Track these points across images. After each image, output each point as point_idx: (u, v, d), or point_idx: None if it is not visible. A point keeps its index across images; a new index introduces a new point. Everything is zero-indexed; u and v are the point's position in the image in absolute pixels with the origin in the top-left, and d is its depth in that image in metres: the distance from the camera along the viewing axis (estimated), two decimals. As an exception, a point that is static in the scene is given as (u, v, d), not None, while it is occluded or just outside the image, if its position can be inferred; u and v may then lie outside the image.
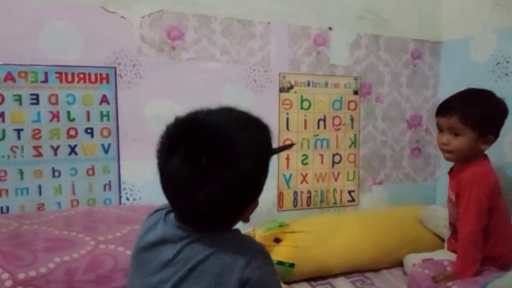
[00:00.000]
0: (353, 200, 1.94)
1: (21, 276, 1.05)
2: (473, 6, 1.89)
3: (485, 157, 1.41)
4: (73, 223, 1.28)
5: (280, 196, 1.81)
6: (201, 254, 0.72)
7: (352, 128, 1.90)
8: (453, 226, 1.49)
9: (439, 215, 1.68)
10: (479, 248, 1.28)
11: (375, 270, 1.63)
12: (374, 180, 1.98)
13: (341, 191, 1.91)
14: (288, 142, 1.78)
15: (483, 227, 1.29)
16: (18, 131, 1.40)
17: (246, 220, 0.79)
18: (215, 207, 0.70)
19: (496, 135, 1.36)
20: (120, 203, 1.55)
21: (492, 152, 1.46)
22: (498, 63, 1.77)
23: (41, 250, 1.13)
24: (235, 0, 1.67)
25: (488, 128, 1.34)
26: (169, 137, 0.72)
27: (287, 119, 1.78)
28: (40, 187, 1.45)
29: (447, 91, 1.93)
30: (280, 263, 1.49)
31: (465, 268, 1.28)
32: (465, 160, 1.39)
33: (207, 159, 0.67)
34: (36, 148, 1.43)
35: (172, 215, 0.79)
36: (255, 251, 0.74)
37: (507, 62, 1.74)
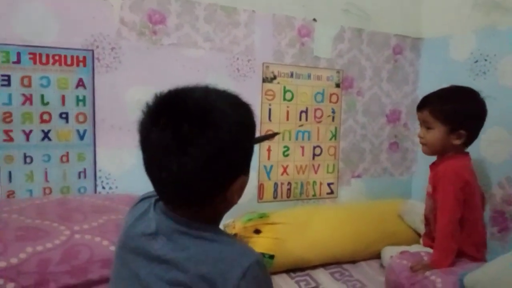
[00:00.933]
0: (332, 192, 1.95)
1: (-10, 266, 0.99)
2: (453, 5, 1.92)
3: (465, 153, 1.44)
4: (47, 211, 1.22)
5: (261, 187, 1.79)
6: (195, 257, 0.69)
7: (333, 121, 1.90)
8: (427, 219, 1.52)
9: (417, 210, 1.71)
10: (455, 239, 1.32)
11: (353, 262, 1.65)
12: (353, 173, 2.00)
13: (321, 183, 1.92)
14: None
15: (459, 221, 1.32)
16: (-13, 113, 1.32)
17: (232, 200, 0.75)
18: (198, 174, 0.67)
19: (469, 131, 1.37)
20: (95, 191, 1.50)
21: (470, 149, 1.49)
22: (477, 61, 1.81)
23: (12, 239, 1.07)
24: (219, -14, 1.63)
25: (459, 123, 1.36)
26: (149, 110, 0.71)
27: (270, 110, 1.76)
28: (10, 173, 1.37)
29: (426, 87, 1.97)
30: (262, 255, 1.47)
31: (442, 258, 1.31)
32: (442, 154, 1.42)
33: (188, 124, 0.66)
34: (6, 132, 1.35)
35: (161, 204, 0.77)
36: (252, 261, 0.70)
37: (485, 60, 1.78)
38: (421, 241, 1.62)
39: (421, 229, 1.66)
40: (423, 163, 1.99)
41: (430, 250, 1.42)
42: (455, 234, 1.32)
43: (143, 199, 0.83)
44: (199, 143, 0.66)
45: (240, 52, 1.68)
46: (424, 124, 1.44)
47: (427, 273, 1.26)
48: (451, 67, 1.92)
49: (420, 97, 1.55)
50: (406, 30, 2.04)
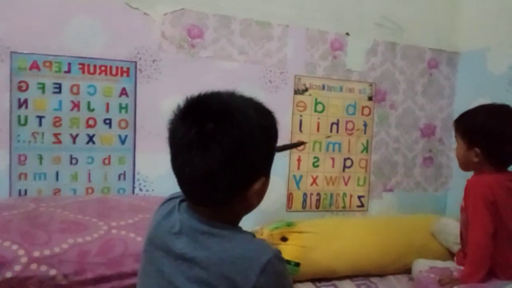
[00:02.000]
0: (362, 205, 1.94)
1: (36, 254, 1.09)
2: (491, 17, 1.90)
3: (501, 171, 1.38)
4: (88, 208, 1.32)
5: (290, 196, 1.82)
6: (216, 255, 0.72)
7: (365, 133, 1.92)
8: (461, 235, 1.49)
9: (450, 229, 1.67)
10: (487, 253, 1.28)
11: (381, 275, 1.63)
12: (384, 187, 1.98)
13: (351, 195, 1.92)
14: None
15: (492, 236, 1.28)
16: (40, 118, 1.46)
17: (253, 202, 0.78)
18: (219, 171, 0.71)
19: (484, 149, 1.34)
20: (133, 193, 1.59)
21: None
22: (517, 75, 1.77)
23: (56, 231, 1.17)
24: (255, 2, 1.71)
25: (472, 140, 1.35)
26: (179, 110, 0.76)
27: (301, 121, 1.80)
28: (57, 173, 1.50)
29: (462, 101, 1.94)
30: (287, 261, 1.50)
31: (472, 273, 1.28)
32: (474, 170, 1.40)
33: (212, 123, 0.70)
34: (55, 135, 1.48)
35: (185, 204, 0.81)
36: (270, 257, 0.72)
37: (525, 74, 1.74)
38: (455, 259, 1.58)
39: (454, 249, 1.63)
40: (459, 179, 1.94)
41: (462, 268, 1.38)
42: (488, 249, 1.28)
43: (170, 199, 0.87)
44: (222, 141, 0.70)
45: (272, 64, 1.75)
46: (455, 137, 1.45)
47: (455, 287, 1.24)
48: (488, 80, 1.89)
49: (456, 112, 1.55)
50: (441, 43, 2.03)
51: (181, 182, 0.78)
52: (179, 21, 1.61)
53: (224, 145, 0.70)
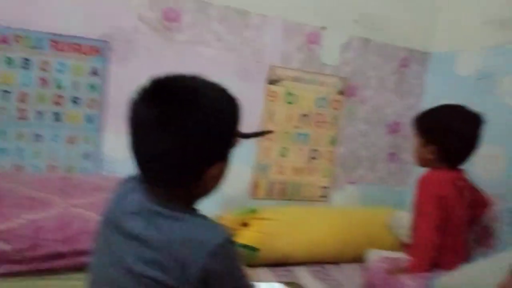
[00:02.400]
0: (325, 196, 2.01)
1: (-8, 228, 1.10)
2: (463, 21, 1.95)
3: (452, 169, 1.44)
4: (49, 186, 1.33)
5: (256, 184, 1.87)
6: (166, 236, 0.74)
7: (333, 126, 1.96)
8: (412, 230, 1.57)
9: (403, 223, 1.74)
10: (433, 246, 1.34)
11: (336, 263, 1.71)
12: (348, 179, 2.05)
13: (315, 186, 1.98)
14: (269, 135, 1.83)
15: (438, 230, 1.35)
16: (6, 92, 1.44)
17: (209, 185, 0.80)
18: (176, 152, 0.73)
19: (440, 147, 1.40)
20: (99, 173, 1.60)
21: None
22: (481, 78, 1.83)
23: (13, 206, 1.18)
24: (234, -11, 1.71)
25: (429, 138, 1.41)
26: (144, 90, 0.76)
27: (272, 111, 1.83)
28: (20, 149, 1.49)
29: (430, 101, 2.00)
30: (245, 246, 1.56)
31: (417, 264, 1.35)
32: (428, 166, 1.46)
33: (174, 104, 0.72)
34: (21, 111, 1.47)
35: (144, 186, 0.81)
36: (221, 240, 0.74)
37: (490, 78, 1.80)
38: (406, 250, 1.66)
39: (406, 241, 1.71)
40: (418, 175, 2.03)
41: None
42: (434, 242, 1.34)
43: (131, 178, 0.87)
44: (181, 123, 0.72)
45: (249, 53, 1.76)
46: (414, 136, 1.51)
47: (400, 276, 1.32)
48: (456, 82, 1.95)
49: (423, 110, 1.59)
50: (414, 43, 2.07)
51: (137, 161, 0.78)
52: (156, 3, 1.60)
53: (183, 127, 0.72)
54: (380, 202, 2.08)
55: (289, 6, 1.80)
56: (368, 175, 2.09)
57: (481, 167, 1.78)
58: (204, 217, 0.82)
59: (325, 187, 2.00)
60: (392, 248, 1.74)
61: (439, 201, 1.35)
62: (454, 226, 1.39)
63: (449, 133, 1.39)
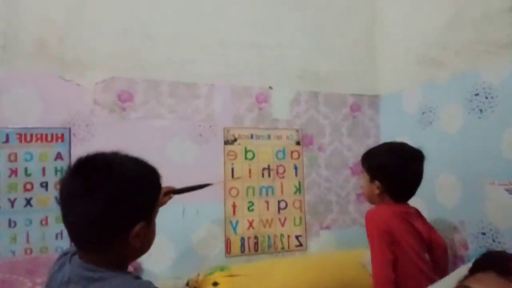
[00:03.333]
0: (301, 245, 2.04)
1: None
2: (402, 62, 2.12)
3: (398, 203, 1.51)
4: (18, 267, 1.42)
5: (227, 242, 1.92)
6: None
7: (296, 176, 2.05)
8: None
9: None
10: (388, 282, 1.36)
11: (312, 310, 1.70)
12: (321, 225, 2.09)
13: (289, 236, 2.02)
14: (233, 191, 1.93)
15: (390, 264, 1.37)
16: (-22, 185, 1.58)
17: (136, 245, 0.89)
18: (99, 216, 0.83)
19: (383, 183, 1.49)
20: (70, 250, 1.68)
21: (425, 196, 1.66)
22: (424, 112, 1.95)
23: (-19, 291, 1.26)
24: (181, 65, 1.90)
25: (373, 175, 1.52)
26: (69, 167, 0.90)
27: (232, 169, 1.94)
28: (-4, 236, 1.59)
29: (388, 139, 2.10)
30: (216, 304, 1.58)
31: None
32: (377, 202, 1.53)
33: (95, 174, 0.84)
34: (-6, 200, 1.60)
35: (76, 256, 0.92)
36: None
37: (430, 111, 1.92)
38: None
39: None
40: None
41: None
42: (387, 277, 1.36)
43: (64, 254, 0.98)
44: (102, 189, 0.83)
45: (201, 119, 1.91)
46: (362, 174, 1.61)
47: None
48: (404, 119, 2.07)
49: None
50: (362, 88, 2.23)
51: (68, 230, 0.89)
52: (110, 87, 1.79)
53: (103, 193, 0.83)
54: (357, 244, 2.09)
55: (234, 73, 1.98)
56: (340, 218, 2.14)
57: (442, 196, 1.83)
58: (135, 276, 0.91)
59: (299, 236, 2.04)
60: (367, 287, 1.75)
61: (387, 236, 1.40)
62: (408, 257, 1.42)
63: (390, 168, 1.50)
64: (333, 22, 2.20)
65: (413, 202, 1.59)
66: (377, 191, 1.51)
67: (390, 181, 1.50)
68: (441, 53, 1.88)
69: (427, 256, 1.51)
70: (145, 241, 0.94)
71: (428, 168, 1.77)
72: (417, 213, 1.56)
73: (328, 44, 2.18)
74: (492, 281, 0.78)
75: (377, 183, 1.51)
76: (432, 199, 1.86)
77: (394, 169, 1.49)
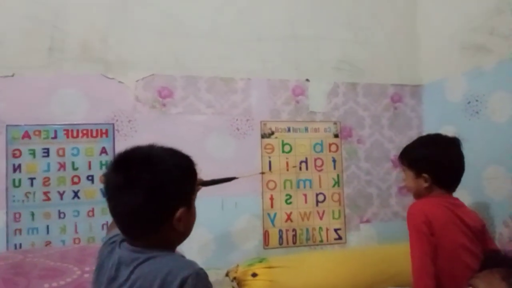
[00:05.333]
0: (340, 238, 2.02)
1: (14, 298, 1.26)
2: (445, 50, 2.03)
3: (443, 195, 1.47)
4: (68, 256, 1.50)
5: (266, 234, 1.93)
6: (148, 275, 0.87)
7: (334, 169, 2.03)
8: None
9: None
10: (428, 275, 1.32)
11: (352, 304, 1.68)
12: (361, 219, 2.06)
13: (327, 229, 2.00)
14: (271, 184, 1.94)
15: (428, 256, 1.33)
16: (32, 179, 1.69)
17: (179, 229, 0.93)
18: (142, 206, 0.87)
19: (432, 175, 1.45)
20: (116, 241, 1.76)
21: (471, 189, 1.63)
22: (469, 102, 1.86)
23: (35, 277, 1.34)
24: (219, 61, 1.93)
25: (420, 168, 1.47)
26: (111, 162, 0.95)
27: (270, 162, 1.95)
28: (48, 227, 1.70)
29: (430, 130, 2.03)
30: (255, 296, 1.60)
31: None
32: (425, 196, 1.48)
33: (134, 167, 0.88)
34: (45, 193, 1.70)
35: (125, 243, 0.96)
36: (191, 273, 0.85)
37: (476, 100, 1.83)
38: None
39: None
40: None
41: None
42: (428, 270, 1.32)
43: (112, 242, 1.02)
44: (142, 181, 0.87)
45: (239, 113, 1.93)
46: (402, 170, 1.58)
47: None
48: (448, 109, 1.99)
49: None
50: (403, 78, 2.16)
51: (116, 220, 0.94)
52: (150, 85, 1.85)
53: (144, 184, 0.88)
54: (399, 237, 2.03)
55: (270, 66, 1.98)
56: (381, 212, 2.09)
57: (490, 189, 1.75)
58: (180, 255, 0.95)
59: (338, 229, 2.02)
60: (409, 283, 1.70)
61: (425, 228, 1.36)
62: (450, 249, 1.37)
63: (435, 158, 1.47)
64: (371, 10, 2.14)
65: (459, 194, 1.53)
66: (425, 185, 1.47)
67: (438, 171, 1.46)
68: (488, 38, 1.78)
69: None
70: (187, 225, 0.97)
71: (475, 159, 1.70)
72: (461, 203, 1.50)
73: (366, 33, 2.12)
74: (496, 282, 0.79)
75: (425, 176, 1.46)
76: (479, 192, 1.78)
77: (439, 158, 1.46)
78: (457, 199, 1.51)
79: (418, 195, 1.53)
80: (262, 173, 1.90)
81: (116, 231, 1.03)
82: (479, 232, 1.45)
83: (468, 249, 1.39)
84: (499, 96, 1.72)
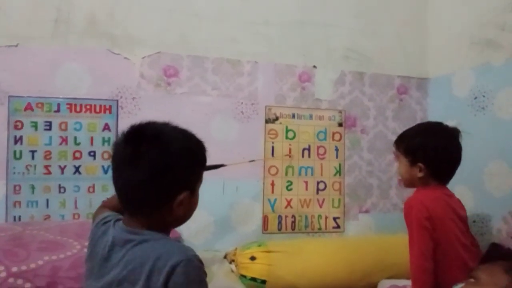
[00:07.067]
0: (338, 226, 2.02)
1: (14, 269, 1.25)
2: (454, 44, 2.01)
3: (439, 186, 1.44)
4: (68, 230, 1.49)
5: (265, 219, 1.94)
6: (139, 259, 0.85)
7: (336, 157, 2.02)
8: None
9: None
10: (429, 272, 1.31)
11: (348, 292, 1.70)
12: (360, 208, 2.06)
13: (326, 217, 2.01)
14: (273, 169, 1.93)
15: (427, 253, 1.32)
16: (33, 152, 1.67)
17: (179, 213, 0.91)
18: (145, 183, 0.86)
19: (428, 164, 1.40)
20: (115, 218, 1.75)
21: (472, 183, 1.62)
22: (476, 97, 1.86)
23: (34, 249, 1.34)
24: (225, 42, 1.90)
25: (416, 156, 1.42)
26: (122, 134, 0.92)
27: (272, 147, 1.94)
28: (47, 200, 1.68)
29: (435, 124, 2.03)
30: (253, 279, 1.61)
31: None
32: (418, 186, 1.46)
33: (144, 143, 0.87)
34: (46, 167, 1.68)
35: (120, 222, 0.95)
36: (183, 258, 0.83)
37: (483, 96, 1.82)
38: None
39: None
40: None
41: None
42: (428, 268, 1.31)
43: (105, 222, 0.99)
44: (149, 158, 0.86)
45: (244, 97, 1.91)
46: (396, 158, 1.54)
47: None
48: (454, 104, 1.98)
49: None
50: (410, 70, 2.14)
51: (117, 191, 0.93)
52: (156, 63, 1.82)
53: (151, 161, 0.86)
54: (397, 229, 2.04)
55: (278, 51, 1.96)
56: (381, 203, 2.09)
57: (491, 185, 1.75)
58: (176, 240, 0.94)
59: (337, 218, 2.02)
60: (406, 273, 1.71)
61: (427, 223, 1.34)
62: (448, 244, 1.36)
63: (434, 148, 1.41)
64: (382, 0, 2.12)
65: (458, 189, 1.53)
66: (420, 174, 1.41)
67: (435, 162, 1.41)
68: (498, 34, 1.77)
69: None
70: (188, 210, 0.95)
71: (477, 154, 1.70)
72: (452, 193, 1.47)
73: (375, 23, 2.10)
74: (498, 274, 0.80)
75: (420, 165, 1.41)
76: (480, 187, 1.78)
77: (438, 149, 1.40)
78: (448, 189, 1.47)
79: (410, 184, 1.49)
80: (252, 160, 1.84)
81: (107, 212, 1.02)
82: (466, 221, 1.44)
83: (462, 244, 1.38)
84: (507, 92, 1.71)
